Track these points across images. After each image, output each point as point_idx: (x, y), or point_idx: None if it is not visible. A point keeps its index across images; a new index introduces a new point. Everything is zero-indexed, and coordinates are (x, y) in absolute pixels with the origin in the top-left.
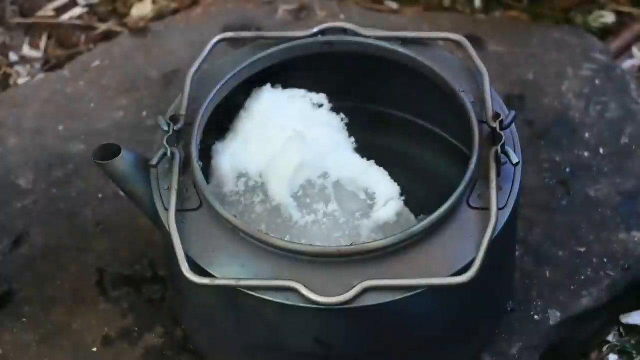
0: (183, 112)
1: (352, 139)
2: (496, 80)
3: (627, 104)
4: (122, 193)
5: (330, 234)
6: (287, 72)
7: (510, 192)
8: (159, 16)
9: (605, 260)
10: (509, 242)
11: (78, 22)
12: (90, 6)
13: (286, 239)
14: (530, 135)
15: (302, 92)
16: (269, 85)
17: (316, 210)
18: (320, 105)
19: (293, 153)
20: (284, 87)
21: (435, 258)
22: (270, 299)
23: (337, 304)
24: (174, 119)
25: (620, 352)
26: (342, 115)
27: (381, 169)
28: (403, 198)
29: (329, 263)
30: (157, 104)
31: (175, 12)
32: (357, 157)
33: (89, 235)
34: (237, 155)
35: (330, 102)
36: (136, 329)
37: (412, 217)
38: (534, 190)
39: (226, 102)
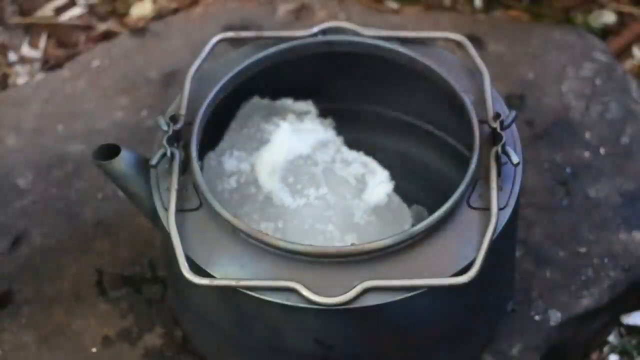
0: (183, 112)
1: (341, 137)
2: (496, 80)
3: (627, 104)
4: (121, 193)
5: (322, 213)
6: (287, 72)
7: (511, 192)
8: (159, 16)
9: (605, 260)
10: (509, 242)
11: (77, 21)
12: (89, 6)
13: (279, 225)
14: (530, 135)
15: (289, 100)
16: (257, 97)
17: (307, 194)
18: (308, 112)
19: (281, 141)
20: (284, 86)
21: (435, 258)
22: (270, 299)
23: (337, 305)
24: (174, 119)
25: (621, 353)
26: (330, 120)
27: (370, 158)
28: (393, 182)
29: (329, 263)
30: (156, 103)
31: (175, 11)
32: (345, 148)
33: (89, 235)
34: (228, 157)
35: (327, 103)
36: (136, 329)
37: (405, 205)
38: (534, 190)
39: (226, 103)
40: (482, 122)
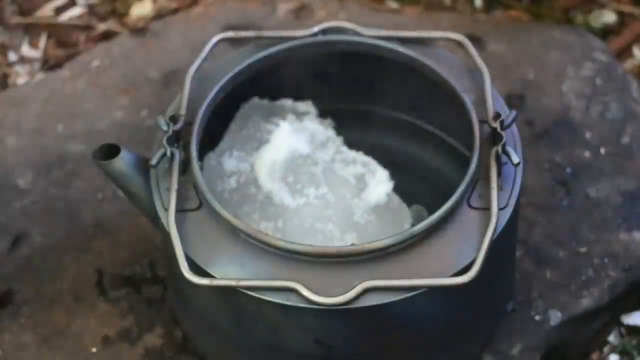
0: (183, 111)
1: (341, 137)
2: (496, 79)
3: (627, 104)
4: (121, 193)
5: (322, 213)
6: (287, 71)
7: (511, 192)
8: (159, 16)
9: (606, 260)
10: (510, 242)
11: (77, 21)
12: (89, 6)
13: (279, 225)
14: (530, 135)
15: (289, 101)
16: (256, 98)
17: (307, 194)
18: (307, 112)
19: (280, 141)
20: (284, 86)
21: (435, 258)
22: (270, 299)
23: (337, 305)
24: (174, 119)
25: (621, 353)
26: (330, 120)
27: (370, 157)
28: (393, 182)
29: (329, 263)
30: (156, 103)
31: (175, 11)
32: (345, 148)
33: (88, 235)
34: (228, 157)
35: (327, 103)
36: (136, 329)
37: (404, 205)
38: (534, 190)
39: (226, 103)
40: (482, 122)
